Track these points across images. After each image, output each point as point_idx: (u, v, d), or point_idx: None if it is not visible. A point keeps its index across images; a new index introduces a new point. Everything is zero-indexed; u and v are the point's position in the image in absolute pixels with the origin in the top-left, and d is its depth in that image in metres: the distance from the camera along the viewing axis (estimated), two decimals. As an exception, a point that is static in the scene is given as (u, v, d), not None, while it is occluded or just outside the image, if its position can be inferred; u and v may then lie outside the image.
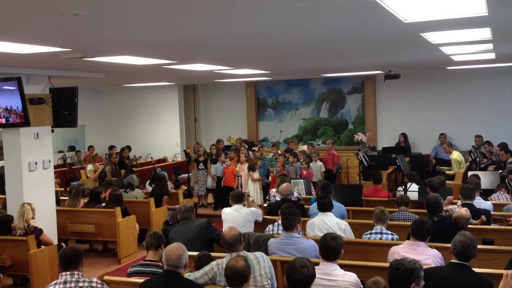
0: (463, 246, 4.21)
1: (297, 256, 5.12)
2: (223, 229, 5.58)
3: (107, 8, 3.69)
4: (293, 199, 7.61)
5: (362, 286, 4.23)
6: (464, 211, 6.11)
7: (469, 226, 6.27)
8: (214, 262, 4.73)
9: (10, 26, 4.27)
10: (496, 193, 8.35)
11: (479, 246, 5.65)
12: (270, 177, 11.19)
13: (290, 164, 11.14)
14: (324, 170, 11.55)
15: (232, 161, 11.61)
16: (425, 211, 6.60)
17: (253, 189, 10.98)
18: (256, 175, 11.07)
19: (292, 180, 9.14)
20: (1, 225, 7.18)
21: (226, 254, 4.85)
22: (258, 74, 11.95)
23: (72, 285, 4.35)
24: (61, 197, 9.68)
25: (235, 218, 6.78)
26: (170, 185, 11.15)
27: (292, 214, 5.52)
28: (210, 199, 12.69)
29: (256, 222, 7.00)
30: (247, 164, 11.26)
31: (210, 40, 5.63)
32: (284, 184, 7.60)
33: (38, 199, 7.73)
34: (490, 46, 7.37)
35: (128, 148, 14.38)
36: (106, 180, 10.70)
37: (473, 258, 4.27)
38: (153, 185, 10.61)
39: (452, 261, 4.28)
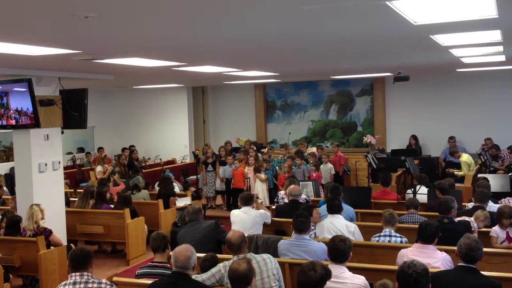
0: (468, 248, 4.19)
1: (307, 258, 5.14)
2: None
3: (117, 11, 3.72)
4: (301, 201, 7.61)
5: (370, 289, 4.22)
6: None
7: (479, 229, 6.25)
8: (221, 264, 4.73)
9: (21, 28, 4.30)
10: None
11: (489, 250, 5.67)
12: (278, 178, 11.19)
13: (298, 166, 11.13)
14: (334, 172, 11.53)
15: (241, 163, 11.62)
16: (434, 213, 6.59)
17: (260, 191, 11.00)
18: (263, 175, 11.10)
19: (300, 182, 9.13)
20: (11, 225, 7.23)
21: (233, 256, 4.85)
22: (267, 76, 11.95)
23: (82, 286, 4.36)
24: (70, 198, 9.73)
25: (243, 220, 6.78)
26: (179, 186, 11.19)
27: (305, 216, 5.54)
28: (219, 200, 12.70)
29: (264, 224, 7.00)
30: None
31: (220, 42, 5.65)
32: (292, 185, 7.61)
33: (47, 200, 7.78)
34: (500, 48, 7.33)
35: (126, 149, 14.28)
36: (100, 179, 10.74)
37: (479, 260, 4.24)
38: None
39: (460, 264, 4.26)
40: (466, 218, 6.35)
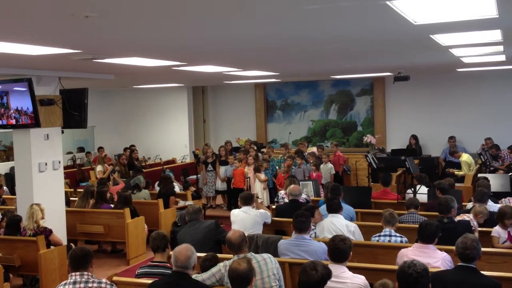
0: (463, 247, 4.21)
1: (307, 258, 5.14)
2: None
3: (117, 11, 3.71)
4: (301, 201, 7.61)
5: (370, 289, 4.22)
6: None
7: (479, 229, 6.26)
8: (221, 264, 4.73)
9: (21, 28, 4.30)
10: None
11: (489, 249, 5.67)
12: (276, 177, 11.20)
13: (298, 166, 11.13)
14: (334, 172, 11.52)
15: (241, 162, 11.62)
16: (434, 213, 6.59)
17: (260, 191, 11.00)
18: (263, 176, 11.10)
19: (300, 182, 9.12)
20: (11, 225, 7.24)
21: (233, 255, 4.85)
22: (267, 75, 11.95)
23: (82, 285, 4.36)
24: (70, 198, 9.73)
25: (244, 220, 6.78)
26: (179, 186, 11.19)
27: (305, 216, 5.54)
28: (219, 200, 12.70)
29: (264, 224, 7.00)
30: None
31: (220, 42, 5.65)
32: (292, 185, 7.61)
33: (47, 200, 7.77)
34: (501, 48, 7.33)
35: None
36: (100, 179, 10.75)
37: (477, 259, 4.25)
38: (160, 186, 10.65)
39: (459, 264, 4.27)
40: (465, 217, 6.36)
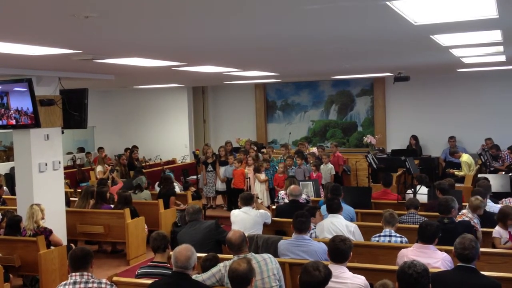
0: (462, 247, 4.22)
1: (307, 258, 5.15)
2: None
3: (117, 11, 3.71)
4: (301, 201, 7.61)
5: (370, 289, 4.22)
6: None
7: (481, 229, 6.25)
8: (221, 264, 4.73)
9: (21, 28, 4.30)
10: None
11: (489, 250, 5.67)
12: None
13: (298, 166, 11.13)
14: (334, 173, 11.52)
15: (241, 163, 11.61)
16: (434, 214, 6.59)
17: (260, 191, 11.00)
18: (262, 176, 11.10)
19: (300, 182, 9.11)
20: (11, 225, 7.24)
21: (233, 256, 4.85)
22: (267, 76, 11.95)
23: (82, 286, 4.36)
24: (70, 198, 9.73)
25: (244, 220, 6.78)
26: (179, 186, 11.19)
27: (305, 216, 5.54)
28: (219, 200, 12.70)
29: (264, 224, 7.00)
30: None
31: (220, 42, 5.65)
32: (293, 186, 7.61)
33: (48, 200, 7.77)
34: (501, 48, 7.33)
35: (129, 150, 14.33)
36: (100, 179, 10.75)
37: (475, 259, 4.25)
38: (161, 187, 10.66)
39: (459, 264, 4.27)
40: (465, 217, 6.35)
